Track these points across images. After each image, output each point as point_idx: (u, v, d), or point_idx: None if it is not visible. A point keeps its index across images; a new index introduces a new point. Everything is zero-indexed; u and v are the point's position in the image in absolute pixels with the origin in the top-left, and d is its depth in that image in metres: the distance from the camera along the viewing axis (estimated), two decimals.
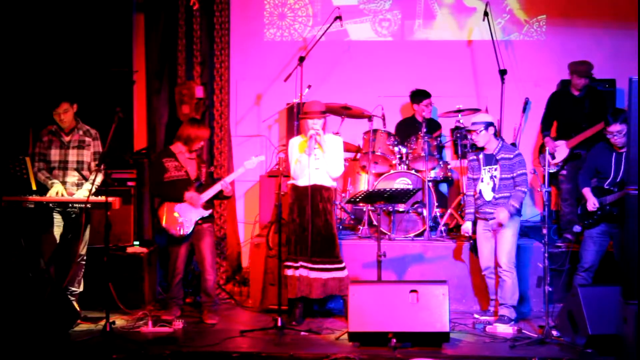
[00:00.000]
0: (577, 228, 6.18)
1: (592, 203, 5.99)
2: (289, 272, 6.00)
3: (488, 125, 6.01)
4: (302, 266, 5.98)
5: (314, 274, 5.95)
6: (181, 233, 6.08)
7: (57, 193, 5.91)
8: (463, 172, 7.17)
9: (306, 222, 5.96)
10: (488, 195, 6.03)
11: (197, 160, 6.26)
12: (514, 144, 7.33)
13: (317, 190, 6.02)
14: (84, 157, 6.12)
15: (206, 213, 6.18)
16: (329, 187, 6.08)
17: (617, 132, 5.89)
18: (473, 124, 6.06)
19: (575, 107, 6.96)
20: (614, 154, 5.98)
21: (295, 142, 6.17)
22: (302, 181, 6.01)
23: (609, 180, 6.00)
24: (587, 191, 6.09)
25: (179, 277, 6.23)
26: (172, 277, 6.24)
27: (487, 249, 6.10)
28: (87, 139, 6.15)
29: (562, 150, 6.98)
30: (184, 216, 6.09)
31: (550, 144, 7.01)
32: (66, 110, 6.02)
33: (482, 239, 6.14)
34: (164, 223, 6.13)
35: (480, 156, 6.11)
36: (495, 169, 6.03)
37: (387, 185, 6.88)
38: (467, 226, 6.23)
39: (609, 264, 6.14)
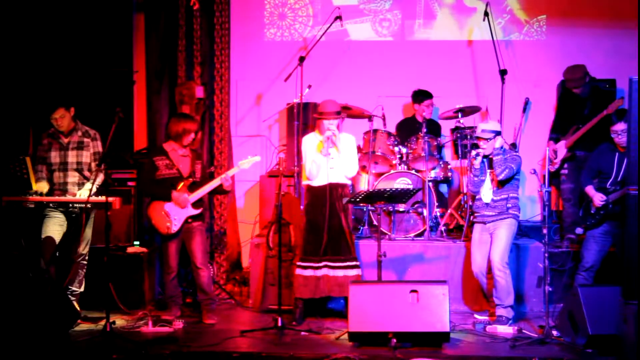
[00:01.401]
0: (579, 230, 6.18)
1: (598, 198, 5.98)
2: (308, 272, 6.00)
3: (497, 134, 6.01)
4: (326, 266, 5.99)
5: (335, 272, 5.98)
6: (170, 231, 6.08)
7: (39, 190, 5.93)
8: (463, 172, 7.17)
9: (325, 222, 5.97)
10: (487, 197, 6.03)
11: (192, 157, 6.23)
12: (514, 144, 7.34)
13: (333, 189, 6.03)
14: (83, 157, 6.13)
15: (196, 212, 6.16)
16: (344, 184, 6.11)
17: (621, 130, 5.90)
18: (483, 131, 6.02)
19: (575, 107, 6.97)
20: (617, 153, 5.99)
21: (310, 140, 6.15)
22: (318, 181, 6.02)
23: (611, 180, 6.01)
24: (590, 189, 6.09)
25: (172, 274, 6.20)
26: (166, 274, 6.23)
27: (480, 255, 6.10)
28: (85, 139, 6.16)
29: (561, 150, 6.99)
30: (173, 214, 6.08)
31: (551, 147, 7.01)
32: (62, 116, 6.03)
33: (476, 244, 6.14)
34: (152, 221, 6.13)
35: (485, 160, 6.11)
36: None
37: (387, 185, 6.88)
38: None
39: (610, 264, 6.14)
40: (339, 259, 6.01)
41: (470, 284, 6.55)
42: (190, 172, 6.18)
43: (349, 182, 6.21)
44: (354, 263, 6.05)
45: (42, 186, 5.98)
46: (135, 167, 7.17)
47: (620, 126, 5.91)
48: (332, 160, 6.02)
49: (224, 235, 7.39)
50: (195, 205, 6.14)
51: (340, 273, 6.00)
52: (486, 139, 5.99)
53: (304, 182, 6.18)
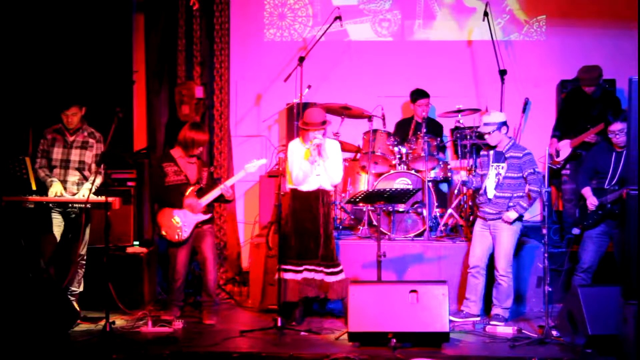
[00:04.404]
0: (575, 230, 6.18)
1: (591, 202, 5.99)
2: (289, 275, 5.98)
3: (501, 125, 5.98)
4: (306, 269, 5.98)
5: (314, 276, 5.97)
6: (180, 238, 6.08)
7: (56, 193, 5.92)
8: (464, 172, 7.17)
9: (311, 227, 5.97)
10: (490, 192, 6.03)
11: (198, 164, 6.24)
12: None
13: (320, 195, 6.03)
14: (86, 158, 6.13)
15: (205, 217, 6.17)
16: (329, 191, 6.09)
17: (618, 130, 5.91)
18: (485, 124, 5.98)
19: (584, 107, 6.97)
20: (614, 153, 6.00)
21: (295, 146, 6.09)
22: (306, 187, 6.01)
23: (608, 179, 6.00)
24: (586, 190, 6.09)
25: (179, 281, 6.19)
26: (173, 281, 6.20)
27: (480, 249, 6.10)
28: (90, 140, 6.16)
29: (565, 149, 7.00)
30: (183, 221, 6.08)
31: (553, 146, 7.02)
32: (75, 114, 6.05)
33: (477, 238, 6.14)
34: (162, 229, 6.11)
35: (491, 152, 6.10)
36: (502, 167, 6.01)
37: (387, 186, 6.88)
38: (462, 173, 6.29)
39: (609, 265, 6.14)
40: (320, 264, 5.98)
41: None
42: (197, 178, 6.18)
43: (332, 189, 6.18)
44: (334, 270, 6.00)
45: (59, 189, 5.95)
46: (135, 167, 7.17)
47: (618, 126, 5.91)
48: (318, 167, 6.00)
49: (223, 235, 7.39)
50: (205, 210, 6.15)
51: (318, 277, 5.97)
52: (489, 133, 5.97)
53: (289, 186, 6.13)
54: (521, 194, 5.98)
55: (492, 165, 6.06)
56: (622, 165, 5.91)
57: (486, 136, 6.00)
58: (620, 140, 5.92)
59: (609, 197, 5.94)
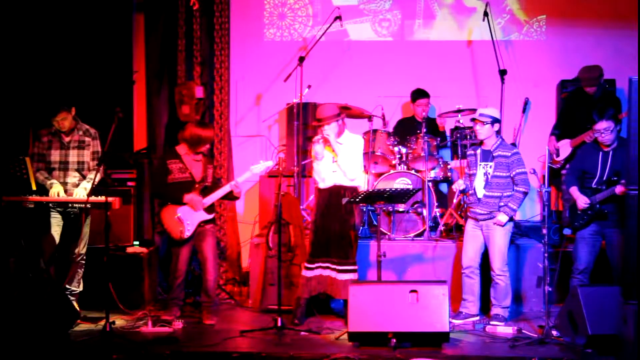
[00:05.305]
0: (567, 231, 6.18)
1: (582, 201, 5.97)
2: (305, 272, 6.04)
3: (495, 120, 6.00)
4: (319, 267, 6.00)
5: (328, 273, 5.98)
6: (183, 236, 6.08)
7: (57, 194, 5.91)
8: (463, 172, 7.17)
9: (327, 223, 6.00)
10: (480, 192, 6.03)
11: (204, 161, 6.23)
12: (513, 144, 7.34)
13: (334, 192, 6.03)
14: (84, 157, 6.13)
15: (209, 216, 6.16)
16: (348, 187, 6.05)
17: (604, 129, 5.89)
18: (481, 114, 6.00)
19: (585, 107, 6.97)
20: (601, 152, 5.97)
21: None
22: (324, 184, 6.07)
23: (595, 179, 5.98)
24: (574, 190, 6.05)
25: (180, 278, 6.21)
26: (174, 278, 6.22)
27: (472, 249, 6.10)
28: (86, 138, 6.16)
29: (565, 148, 7.00)
30: (186, 219, 6.07)
31: (552, 143, 7.02)
32: (64, 118, 6.03)
33: (469, 238, 6.14)
34: (165, 226, 6.12)
35: (478, 151, 6.10)
36: (490, 166, 6.02)
37: (387, 185, 6.89)
38: (459, 182, 6.25)
39: (605, 264, 6.13)
40: (331, 261, 5.99)
41: None
42: (203, 176, 6.17)
43: (357, 185, 6.12)
44: (346, 267, 5.99)
45: (59, 189, 5.95)
46: (135, 167, 7.18)
47: (603, 125, 5.88)
48: (334, 163, 6.02)
49: (223, 235, 7.39)
50: (208, 210, 6.14)
51: (332, 274, 5.98)
52: (483, 122, 5.97)
53: (316, 185, 6.22)
54: (510, 193, 5.99)
55: (479, 165, 6.07)
56: (609, 165, 5.90)
57: (478, 126, 6.00)
58: (606, 139, 5.90)
59: (597, 197, 5.92)
